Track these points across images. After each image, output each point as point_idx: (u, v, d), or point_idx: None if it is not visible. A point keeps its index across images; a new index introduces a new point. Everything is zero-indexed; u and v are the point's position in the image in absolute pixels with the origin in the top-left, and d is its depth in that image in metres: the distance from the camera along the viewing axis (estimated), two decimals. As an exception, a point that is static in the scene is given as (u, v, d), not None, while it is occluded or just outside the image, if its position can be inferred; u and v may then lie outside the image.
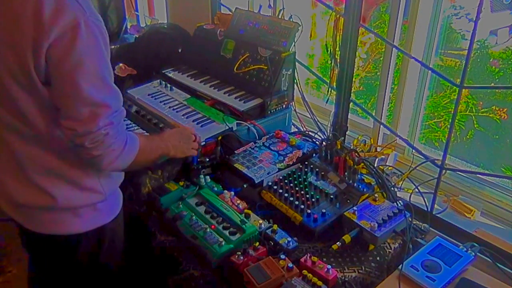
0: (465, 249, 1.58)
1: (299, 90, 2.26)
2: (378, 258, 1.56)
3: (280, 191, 1.73)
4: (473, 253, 1.55)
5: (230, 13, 2.45)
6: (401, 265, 1.47)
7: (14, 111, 1.28)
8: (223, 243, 1.51)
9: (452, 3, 2.12)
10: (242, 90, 2.14)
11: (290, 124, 2.23)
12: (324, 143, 1.95)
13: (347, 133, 2.20)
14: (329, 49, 2.17)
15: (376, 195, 1.67)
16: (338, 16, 2.05)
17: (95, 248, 1.52)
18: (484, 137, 2.23)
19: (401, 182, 1.96)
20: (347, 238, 1.52)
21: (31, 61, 1.17)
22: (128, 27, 2.86)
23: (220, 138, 1.91)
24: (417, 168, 2.00)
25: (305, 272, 1.42)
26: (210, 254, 1.50)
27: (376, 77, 2.48)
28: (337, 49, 2.09)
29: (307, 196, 1.70)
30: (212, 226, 1.59)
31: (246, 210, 1.65)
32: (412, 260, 1.50)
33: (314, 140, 2.14)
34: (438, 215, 1.88)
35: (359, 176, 1.78)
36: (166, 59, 2.51)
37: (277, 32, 2.10)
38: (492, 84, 2.22)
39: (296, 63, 2.17)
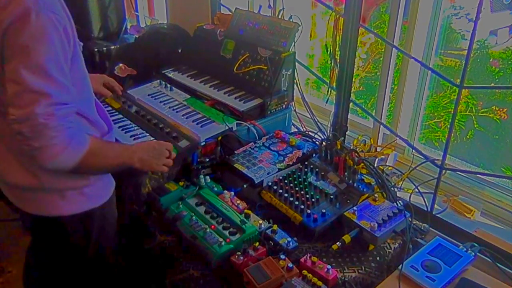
0: (465, 249, 1.58)
1: (299, 90, 2.26)
2: (378, 258, 1.56)
3: (280, 191, 1.73)
4: (473, 253, 1.56)
5: (230, 13, 2.45)
6: (401, 265, 1.47)
7: None
8: (223, 243, 1.51)
9: (452, 3, 2.12)
10: (242, 90, 2.14)
11: (290, 124, 2.23)
12: (324, 143, 1.95)
13: (347, 133, 2.20)
14: (329, 49, 2.17)
15: (376, 195, 1.67)
16: (338, 16, 2.05)
17: (84, 232, 1.55)
18: (484, 137, 2.23)
19: (401, 182, 1.96)
20: (347, 238, 1.52)
21: None
22: (128, 27, 2.86)
23: (220, 138, 1.91)
24: (417, 168, 2.00)
25: (305, 272, 1.42)
26: (210, 254, 1.50)
27: (376, 77, 2.48)
28: (337, 49, 2.09)
29: (307, 196, 1.70)
30: (212, 226, 1.59)
31: (246, 210, 1.66)
32: (412, 260, 1.50)
33: (314, 140, 2.14)
34: (438, 215, 1.88)
35: (359, 176, 1.78)
36: (166, 59, 2.52)
37: (277, 32, 2.10)
38: (492, 84, 2.22)
39: (296, 63, 2.17)
